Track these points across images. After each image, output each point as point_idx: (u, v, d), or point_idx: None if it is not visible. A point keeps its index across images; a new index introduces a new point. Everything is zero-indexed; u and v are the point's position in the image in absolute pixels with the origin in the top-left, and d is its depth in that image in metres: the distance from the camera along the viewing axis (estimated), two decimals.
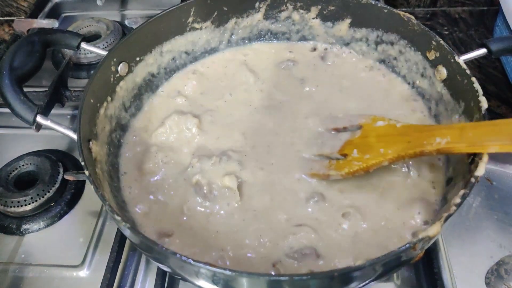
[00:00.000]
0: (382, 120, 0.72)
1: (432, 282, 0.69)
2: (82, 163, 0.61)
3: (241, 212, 0.69)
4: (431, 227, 0.54)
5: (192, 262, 0.50)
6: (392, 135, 0.69)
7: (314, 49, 0.94)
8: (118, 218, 0.55)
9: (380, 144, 0.69)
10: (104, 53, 0.76)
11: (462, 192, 0.57)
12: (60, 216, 0.83)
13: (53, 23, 1.14)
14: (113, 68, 0.77)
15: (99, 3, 1.22)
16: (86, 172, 0.60)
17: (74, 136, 0.64)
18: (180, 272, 0.57)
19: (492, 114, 0.65)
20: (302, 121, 0.81)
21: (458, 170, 0.67)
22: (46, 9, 1.27)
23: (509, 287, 0.70)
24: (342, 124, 0.77)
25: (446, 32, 1.20)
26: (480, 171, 0.58)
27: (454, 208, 0.55)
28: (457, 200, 0.56)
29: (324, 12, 0.90)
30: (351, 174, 0.69)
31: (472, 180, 0.58)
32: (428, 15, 1.26)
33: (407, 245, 0.52)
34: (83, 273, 0.76)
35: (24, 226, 0.81)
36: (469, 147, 0.60)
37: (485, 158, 0.59)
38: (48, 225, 0.82)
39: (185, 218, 0.70)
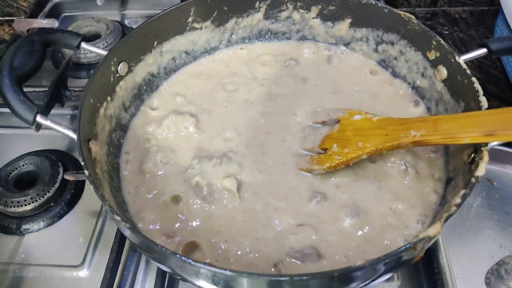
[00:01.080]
0: (359, 114, 0.73)
1: (432, 282, 0.69)
2: (82, 163, 0.61)
3: (242, 213, 0.69)
4: (431, 227, 0.54)
5: (192, 262, 0.50)
6: (369, 128, 0.70)
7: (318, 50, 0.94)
8: (118, 218, 0.55)
9: (358, 138, 0.70)
10: (104, 53, 0.76)
11: (462, 192, 0.57)
12: (60, 216, 0.83)
13: (53, 23, 1.14)
14: (113, 68, 0.77)
15: (99, 3, 1.21)
16: (86, 172, 0.60)
17: (74, 136, 0.64)
18: (180, 272, 0.57)
19: None
20: (292, 117, 0.82)
21: (458, 170, 0.67)
22: (46, 9, 1.27)
23: (509, 287, 0.70)
24: (321, 118, 0.78)
25: (447, 32, 1.20)
26: (480, 171, 0.58)
27: (454, 208, 0.55)
28: (458, 200, 0.56)
29: (324, 11, 0.90)
30: (333, 168, 0.70)
31: (473, 180, 0.57)
32: (428, 15, 1.26)
33: (408, 245, 0.52)
34: (83, 273, 0.76)
35: (24, 226, 0.81)
36: (443, 139, 0.60)
37: (486, 158, 0.59)
38: (48, 225, 0.82)
39: (184, 218, 0.70)
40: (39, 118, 0.66)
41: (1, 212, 0.82)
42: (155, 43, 0.85)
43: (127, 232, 0.57)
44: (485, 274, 0.72)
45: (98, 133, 0.72)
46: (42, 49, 0.74)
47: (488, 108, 0.63)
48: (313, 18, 0.91)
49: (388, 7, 0.82)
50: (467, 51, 0.73)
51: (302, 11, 0.91)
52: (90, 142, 0.68)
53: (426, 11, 1.28)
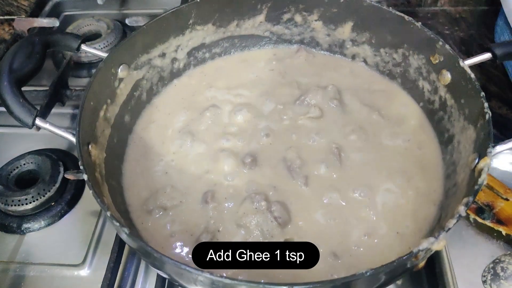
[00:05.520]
0: None
1: (433, 282, 0.70)
2: (81, 167, 0.61)
3: None
4: (437, 241, 0.54)
5: (190, 269, 0.50)
6: None
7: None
8: (117, 224, 0.56)
9: None
10: (104, 54, 0.75)
11: (465, 200, 0.56)
12: (61, 215, 0.83)
13: (54, 22, 1.14)
14: (113, 70, 0.77)
15: (99, 2, 1.21)
16: (85, 177, 0.60)
17: (73, 139, 0.64)
18: (178, 279, 0.57)
19: (494, 115, 0.65)
20: None
21: (459, 178, 0.67)
22: (47, 8, 1.27)
23: (506, 285, 0.70)
24: None
25: (447, 32, 1.20)
26: (483, 177, 0.57)
27: (457, 217, 0.55)
28: (461, 208, 0.56)
29: (327, 14, 0.88)
30: None
31: (476, 187, 0.57)
32: (429, 15, 1.26)
33: (409, 254, 0.52)
34: (84, 272, 0.76)
35: (25, 225, 0.81)
36: None
37: (488, 164, 0.58)
38: (48, 224, 0.82)
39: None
40: (38, 121, 0.66)
41: (1, 211, 0.82)
42: (156, 45, 0.84)
43: (124, 236, 0.57)
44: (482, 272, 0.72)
45: (98, 136, 0.72)
46: (42, 50, 0.74)
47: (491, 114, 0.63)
48: (315, 20, 0.90)
49: (391, 9, 0.81)
50: (468, 50, 0.72)
51: (304, 13, 0.90)
52: (90, 146, 0.68)
53: (426, 10, 1.27)
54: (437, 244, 0.54)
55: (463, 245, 0.76)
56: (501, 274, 0.71)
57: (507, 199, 0.77)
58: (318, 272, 0.63)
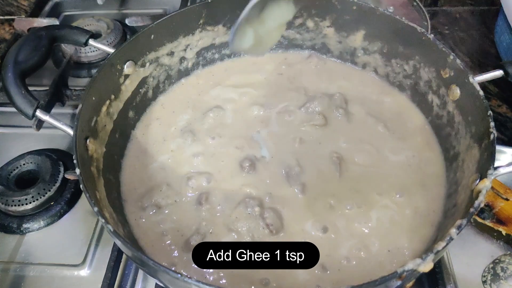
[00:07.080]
0: None
1: (433, 281, 0.70)
2: (75, 161, 0.61)
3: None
4: (424, 263, 0.53)
5: (185, 279, 0.50)
6: None
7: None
8: (103, 220, 0.56)
9: None
10: (111, 50, 0.75)
11: (459, 222, 0.55)
12: (61, 215, 0.83)
13: (54, 22, 1.14)
14: (118, 67, 0.77)
15: (99, 2, 1.21)
16: (77, 171, 0.60)
17: (71, 132, 0.64)
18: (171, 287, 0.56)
19: (493, 114, 0.64)
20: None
21: (459, 199, 0.66)
22: (47, 8, 1.28)
23: (506, 285, 0.70)
24: None
25: (447, 32, 1.20)
26: (479, 200, 0.57)
27: (448, 239, 0.54)
28: (453, 231, 0.55)
29: (339, 21, 0.87)
30: None
31: (471, 210, 0.56)
32: (429, 15, 1.26)
33: (393, 274, 0.51)
34: (84, 272, 0.76)
35: (25, 225, 0.81)
36: None
37: (487, 186, 0.58)
38: (48, 224, 0.82)
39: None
40: (39, 113, 0.66)
41: (2, 211, 0.82)
42: (164, 43, 0.84)
43: (109, 232, 0.57)
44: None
45: (99, 131, 0.72)
46: (48, 44, 0.74)
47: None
48: (328, 26, 0.89)
49: (404, 20, 0.78)
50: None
51: (316, 19, 0.89)
52: (88, 140, 0.68)
53: (426, 10, 1.27)
54: (424, 266, 0.53)
55: (463, 245, 0.76)
56: (501, 274, 0.71)
57: (507, 199, 0.76)
58: (304, 283, 0.62)
